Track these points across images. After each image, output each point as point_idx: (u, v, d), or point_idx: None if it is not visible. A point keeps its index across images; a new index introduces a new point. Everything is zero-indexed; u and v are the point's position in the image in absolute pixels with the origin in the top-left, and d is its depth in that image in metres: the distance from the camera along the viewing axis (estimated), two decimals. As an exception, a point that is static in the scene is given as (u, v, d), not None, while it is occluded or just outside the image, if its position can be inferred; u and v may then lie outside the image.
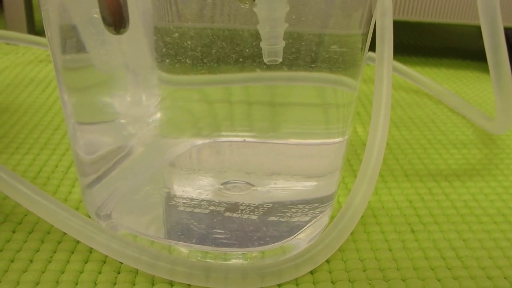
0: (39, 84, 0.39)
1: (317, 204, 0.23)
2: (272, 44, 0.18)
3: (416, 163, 0.32)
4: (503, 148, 0.34)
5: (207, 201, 0.23)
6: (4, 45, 0.48)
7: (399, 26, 0.62)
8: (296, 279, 0.21)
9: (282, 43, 0.18)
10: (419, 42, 0.59)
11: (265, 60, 0.18)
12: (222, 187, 0.23)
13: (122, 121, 0.24)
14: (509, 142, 0.35)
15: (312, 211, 0.23)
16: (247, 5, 0.19)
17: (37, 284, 0.20)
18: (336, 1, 0.20)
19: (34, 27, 0.52)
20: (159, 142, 0.24)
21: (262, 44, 0.18)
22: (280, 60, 0.18)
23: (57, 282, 0.20)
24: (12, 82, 0.39)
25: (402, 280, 0.22)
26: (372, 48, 0.25)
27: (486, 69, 0.28)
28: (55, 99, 0.37)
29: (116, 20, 0.16)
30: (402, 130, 0.36)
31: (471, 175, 0.31)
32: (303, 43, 0.20)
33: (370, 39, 0.23)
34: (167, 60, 0.21)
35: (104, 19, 0.16)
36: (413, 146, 0.34)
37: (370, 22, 0.22)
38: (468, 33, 0.64)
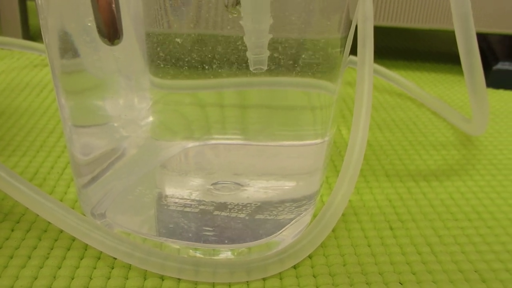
0: (34, 88, 0.40)
1: (301, 203, 0.25)
2: (258, 54, 0.19)
3: (397, 164, 0.33)
4: (481, 149, 0.36)
5: (197, 200, 0.24)
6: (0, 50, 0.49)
7: (385, 31, 0.64)
8: (280, 273, 0.23)
9: (267, 53, 0.19)
10: (404, 47, 0.61)
11: (251, 69, 0.20)
12: (211, 187, 0.24)
13: (116, 124, 0.25)
14: (487, 143, 0.37)
15: (297, 209, 0.25)
16: (234, 14, 0.20)
17: (35, 279, 0.21)
18: (315, 6, 0.21)
19: (29, 32, 0.53)
20: (151, 145, 0.25)
21: (248, 54, 0.19)
22: (265, 68, 0.20)
23: (54, 277, 0.22)
24: (7, 86, 0.41)
25: (379, 273, 0.23)
26: (355, 52, 0.26)
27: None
28: (50, 102, 0.38)
29: (111, 32, 0.17)
30: (385, 132, 0.38)
31: (449, 175, 0.32)
32: (283, 48, 0.21)
33: (351, 43, 0.24)
34: (159, 65, 0.22)
35: (99, 31, 0.18)
36: (395, 148, 0.35)
37: (350, 27, 0.23)
38: (450, 38, 0.66)
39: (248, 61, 0.19)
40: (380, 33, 0.55)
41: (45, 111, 0.37)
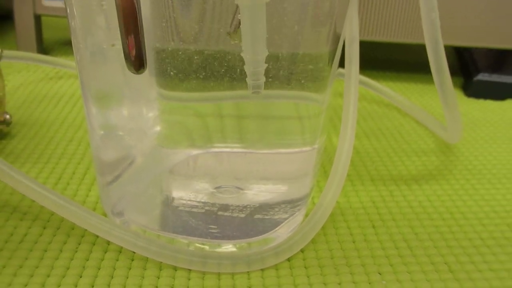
0: (51, 100, 0.44)
1: (294, 204, 0.28)
2: (255, 80, 0.22)
3: (381, 169, 0.37)
4: (458, 155, 0.40)
5: (202, 202, 0.27)
6: (16, 63, 0.52)
7: (374, 44, 0.68)
8: (276, 264, 0.26)
9: (263, 78, 0.23)
10: (393, 59, 0.65)
11: (250, 92, 0.23)
12: (215, 190, 0.27)
13: (130, 132, 0.28)
14: (464, 150, 0.40)
15: (290, 210, 0.28)
16: (236, 41, 0.24)
17: (68, 268, 0.25)
18: (306, 23, 0.24)
19: (43, 46, 0.56)
20: (158, 152, 0.28)
21: (247, 80, 0.23)
22: (262, 91, 0.23)
23: (83, 267, 0.25)
24: (27, 98, 0.44)
25: (362, 265, 0.27)
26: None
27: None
28: (67, 113, 0.42)
29: (137, 63, 0.20)
30: (372, 140, 0.41)
31: (428, 179, 0.36)
32: (275, 63, 0.24)
33: (339, 57, 0.27)
34: (166, 79, 0.25)
35: (127, 61, 0.21)
36: (380, 154, 0.39)
37: (337, 41, 0.26)
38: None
39: (248, 85, 0.23)
40: (369, 46, 0.59)
41: (63, 121, 0.40)
